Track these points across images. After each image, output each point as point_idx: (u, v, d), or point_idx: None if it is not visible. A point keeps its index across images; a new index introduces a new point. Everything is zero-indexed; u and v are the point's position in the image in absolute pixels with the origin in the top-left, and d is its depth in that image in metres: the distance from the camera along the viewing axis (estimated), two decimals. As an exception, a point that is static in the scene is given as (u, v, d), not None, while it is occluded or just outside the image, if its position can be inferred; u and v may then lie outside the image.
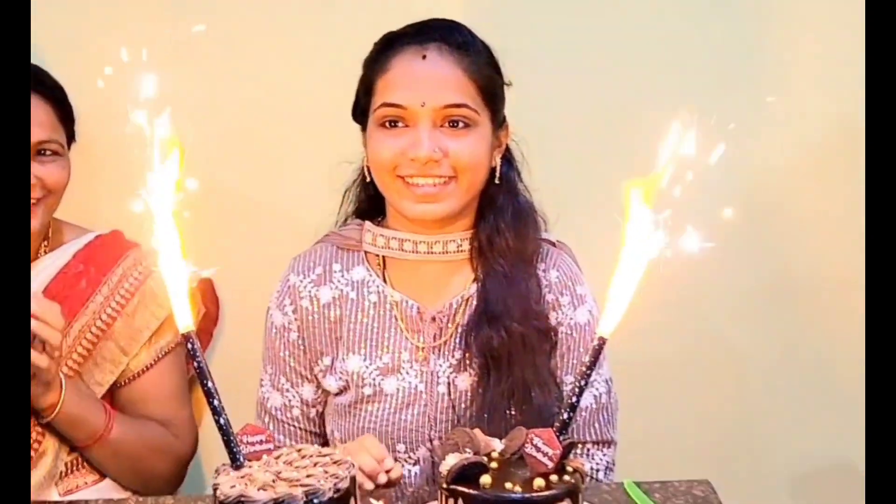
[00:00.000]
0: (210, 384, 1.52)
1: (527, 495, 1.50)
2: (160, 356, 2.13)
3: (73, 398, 1.96)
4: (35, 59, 2.09)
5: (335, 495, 1.49)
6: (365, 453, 1.70)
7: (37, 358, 1.84)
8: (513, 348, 1.86)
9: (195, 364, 1.53)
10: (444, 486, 1.54)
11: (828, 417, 2.58)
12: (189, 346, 1.52)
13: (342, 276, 1.95)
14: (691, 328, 2.54)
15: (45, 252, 2.09)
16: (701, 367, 2.55)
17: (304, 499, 1.47)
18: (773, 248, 2.54)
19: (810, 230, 2.53)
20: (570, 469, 1.55)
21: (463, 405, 1.89)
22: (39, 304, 1.85)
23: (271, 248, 2.10)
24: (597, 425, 1.94)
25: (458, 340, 1.91)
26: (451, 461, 1.55)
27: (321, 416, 2.00)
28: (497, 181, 1.91)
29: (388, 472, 1.69)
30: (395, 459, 1.89)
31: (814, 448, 2.60)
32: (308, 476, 1.51)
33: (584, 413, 1.92)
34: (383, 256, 1.94)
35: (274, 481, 1.49)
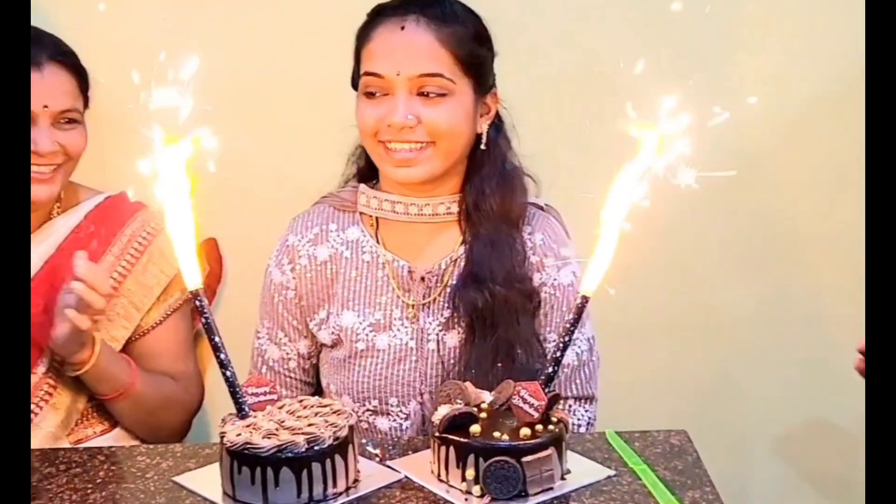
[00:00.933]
0: (217, 338, 1.61)
1: (514, 443, 1.58)
2: (169, 313, 2.19)
3: (105, 355, 2.03)
4: (51, 26, 2.13)
5: (334, 443, 1.58)
6: None
7: (78, 319, 1.91)
8: (496, 309, 1.93)
9: (203, 319, 1.61)
10: (437, 434, 1.63)
11: (805, 374, 2.64)
12: (197, 302, 1.61)
13: (338, 235, 2.03)
14: (674, 287, 2.59)
15: (58, 213, 2.14)
16: (682, 325, 2.61)
17: (306, 446, 1.56)
18: (754, 210, 2.58)
19: (790, 191, 2.58)
20: (554, 419, 1.64)
21: (451, 361, 1.96)
22: (87, 269, 1.92)
23: (275, 209, 2.14)
24: (578, 381, 2.02)
25: (446, 299, 1.98)
26: (443, 411, 1.64)
27: (315, 367, 2.08)
28: (483, 146, 1.99)
29: None
30: (388, 413, 1.99)
31: (791, 404, 2.66)
32: (309, 425, 1.59)
33: (566, 369, 1.99)
34: (377, 218, 2.01)
35: (277, 430, 1.58)
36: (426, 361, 1.98)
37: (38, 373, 2.06)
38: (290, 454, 1.55)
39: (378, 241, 2.02)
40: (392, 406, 1.98)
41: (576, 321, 1.65)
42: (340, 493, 1.59)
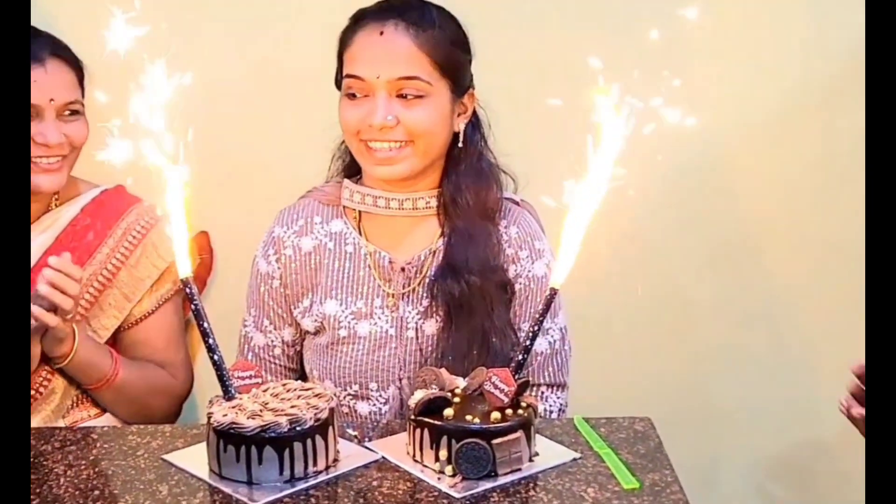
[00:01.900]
0: (206, 324, 1.70)
1: (484, 426, 1.67)
2: (160, 303, 2.26)
3: (84, 348, 2.11)
4: (48, 26, 2.20)
5: (315, 424, 1.67)
6: None
7: (45, 317, 1.98)
8: (472, 299, 2.02)
9: (192, 306, 1.70)
10: (412, 417, 1.72)
11: (776, 365, 2.71)
12: (187, 290, 1.70)
13: (322, 227, 2.11)
14: (645, 284, 2.64)
15: (56, 205, 2.20)
16: (652, 319, 2.67)
17: (288, 426, 1.64)
18: (723, 212, 2.65)
19: (757, 193, 2.64)
20: (524, 404, 1.73)
21: (429, 348, 2.05)
22: (59, 268, 1.98)
23: (265, 203, 2.21)
24: (551, 369, 2.11)
25: (425, 289, 2.06)
26: (418, 395, 1.72)
27: (299, 354, 2.17)
28: (461, 144, 2.07)
29: None
30: (368, 397, 2.08)
31: (756, 396, 2.73)
32: (292, 407, 1.68)
33: (539, 358, 2.08)
34: (359, 211, 2.10)
35: (261, 411, 1.67)
36: (405, 348, 2.07)
37: (36, 359, 2.12)
38: (273, 434, 1.64)
39: (360, 234, 2.11)
40: (372, 391, 2.07)
41: (545, 311, 1.74)
42: (320, 472, 1.68)
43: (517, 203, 2.16)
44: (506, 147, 2.14)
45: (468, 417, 1.69)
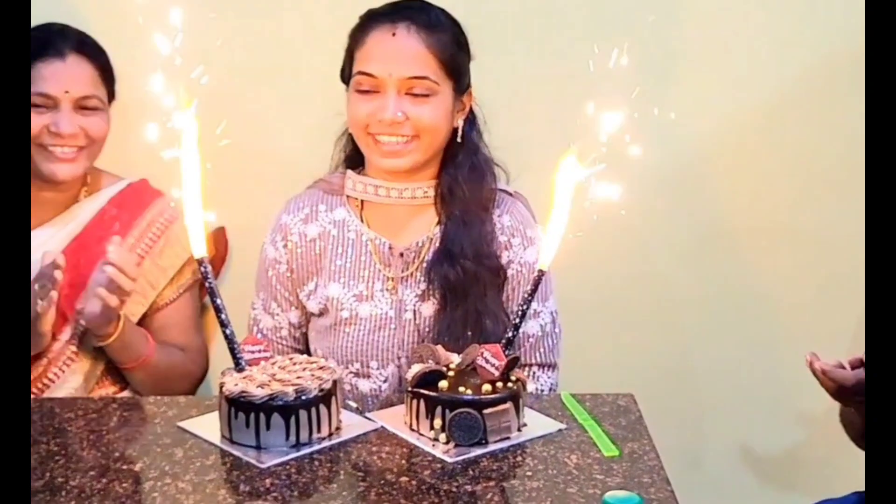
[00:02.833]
0: (219, 301, 1.83)
1: (476, 397, 1.80)
2: (181, 292, 2.40)
3: (127, 329, 2.24)
4: (81, 24, 2.32)
5: (320, 394, 1.80)
6: None
7: (109, 298, 2.11)
8: (467, 283, 2.15)
9: (207, 284, 1.83)
10: (409, 389, 1.85)
11: (758, 350, 2.79)
12: (202, 269, 1.82)
13: (326, 215, 2.24)
14: (633, 269, 2.75)
15: (85, 196, 2.33)
16: (639, 304, 2.76)
17: (294, 395, 1.77)
18: (709, 202, 2.74)
19: (741, 186, 2.73)
20: (513, 378, 1.85)
21: (427, 329, 2.18)
22: (119, 255, 2.12)
23: (276, 197, 2.32)
24: (542, 350, 2.23)
25: (422, 274, 2.19)
26: (415, 369, 1.85)
27: (305, 335, 2.30)
28: (459, 139, 2.21)
29: None
30: (369, 375, 2.21)
31: (737, 380, 2.81)
32: (298, 378, 1.81)
33: (531, 339, 2.21)
34: (362, 200, 2.23)
35: (269, 381, 1.80)
36: (404, 329, 2.19)
37: (62, 340, 2.26)
38: (280, 402, 1.76)
39: (362, 221, 2.23)
40: (373, 369, 2.20)
41: (534, 291, 1.87)
42: (324, 438, 1.80)
43: (510, 194, 2.28)
44: (500, 141, 2.27)
45: (461, 389, 1.82)
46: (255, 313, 2.30)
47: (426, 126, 2.14)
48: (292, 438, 1.78)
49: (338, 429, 1.84)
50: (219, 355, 2.33)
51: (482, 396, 1.81)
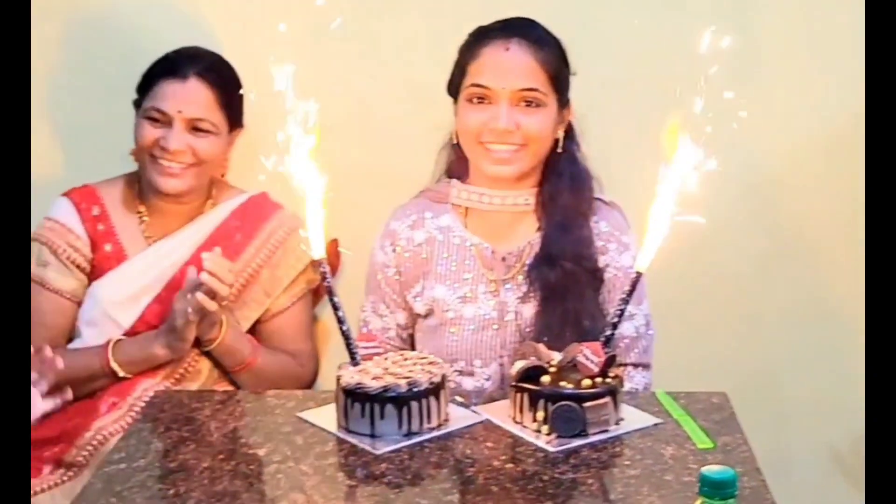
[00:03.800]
0: (336, 299, 1.96)
1: (577, 391, 1.90)
2: (294, 300, 2.52)
3: (231, 334, 2.37)
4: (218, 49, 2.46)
5: (430, 387, 1.91)
6: None
7: (206, 302, 2.24)
8: (566, 284, 2.25)
9: (325, 283, 1.96)
10: (513, 384, 1.96)
11: (830, 356, 2.86)
12: (322, 269, 1.96)
13: (432, 222, 2.36)
14: (717, 278, 2.84)
15: (210, 208, 2.47)
16: (730, 312, 2.85)
17: (406, 387, 1.89)
18: (787, 215, 2.83)
19: (817, 200, 2.82)
20: (612, 375, 1.95)
21: (527, 329, 2.28)
22: (214, 262, 2.24)
23: (380, 203, 2.45)
24: (636, 351, 2.32)
25: (523, 277, 2.30)
26: (519, 365, 1.96)
27: (411, 337, 2.41)
28: (560, 150, 2.32)
29: None
30: (473, 373, 2.32)
31: (816, 379, 2.88)
32: (409, 372, 1.93)
33: (626, 340, 2.30)
34: (465, 207, 2.35)
35: (383, 374, 1.92)
36: (506, 329, 2.30)
37: (189, 344, 2.37)
38: (393, 394, 1.88)
39: (466, 227, 2.35)
40: (476, 367, 2.31)
41: (631, 291, 1.97)
42: (433, 428, 1.92)
43: (606, 203, 2.38)
44: (596, 153, 2.37)
45: (562, 384, 1.92)
46: (365, 315, 2.42)
47: (534, 135, 2.25)
48: (404, 427, 1.89)
49: (446, 420, 1.95)
50: (325, 366, 2.44)
51: (583, 391, 1.91)
